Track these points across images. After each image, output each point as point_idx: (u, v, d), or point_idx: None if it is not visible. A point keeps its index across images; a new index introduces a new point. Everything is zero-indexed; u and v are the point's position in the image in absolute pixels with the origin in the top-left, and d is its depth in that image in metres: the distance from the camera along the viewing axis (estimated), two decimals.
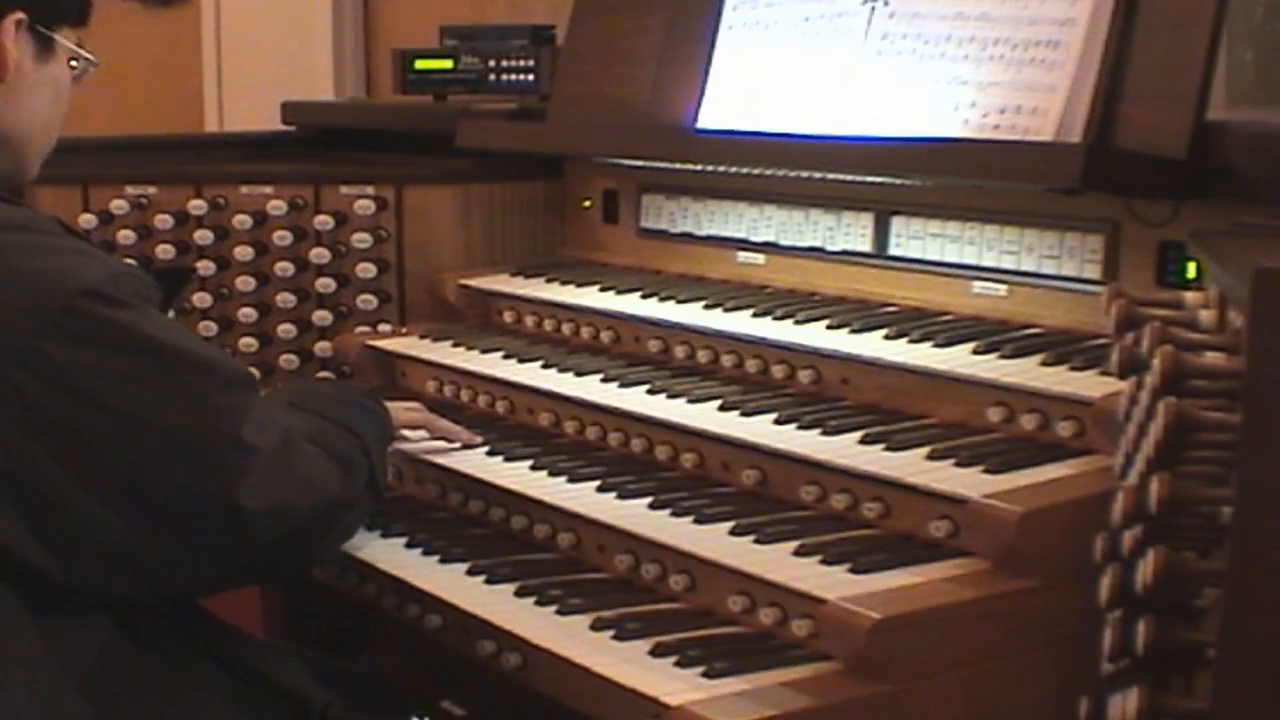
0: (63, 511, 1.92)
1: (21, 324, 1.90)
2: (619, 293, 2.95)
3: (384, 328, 3.27)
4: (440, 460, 2.60)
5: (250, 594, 3.11)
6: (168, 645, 2.08)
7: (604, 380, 2.67)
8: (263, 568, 2.19)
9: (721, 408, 2.46)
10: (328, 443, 2.19)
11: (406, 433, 2.60)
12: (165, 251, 3.34)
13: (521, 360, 2.85)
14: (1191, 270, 2.27)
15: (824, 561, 2.05)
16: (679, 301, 2.83)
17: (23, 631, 1.93)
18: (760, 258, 2.96)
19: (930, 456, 2.17)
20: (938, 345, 2.41)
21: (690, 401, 2.50)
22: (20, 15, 2.10)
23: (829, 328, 2.56)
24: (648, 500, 2.31)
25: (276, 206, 3.32)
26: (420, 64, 3.72)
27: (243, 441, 1.98)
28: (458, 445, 2.62)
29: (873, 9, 2.73)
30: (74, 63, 2.22)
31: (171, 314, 2.53)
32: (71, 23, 2.21)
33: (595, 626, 2.07)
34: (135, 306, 1.97)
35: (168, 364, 1.96)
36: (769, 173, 2.85)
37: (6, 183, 2.15)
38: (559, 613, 2.13)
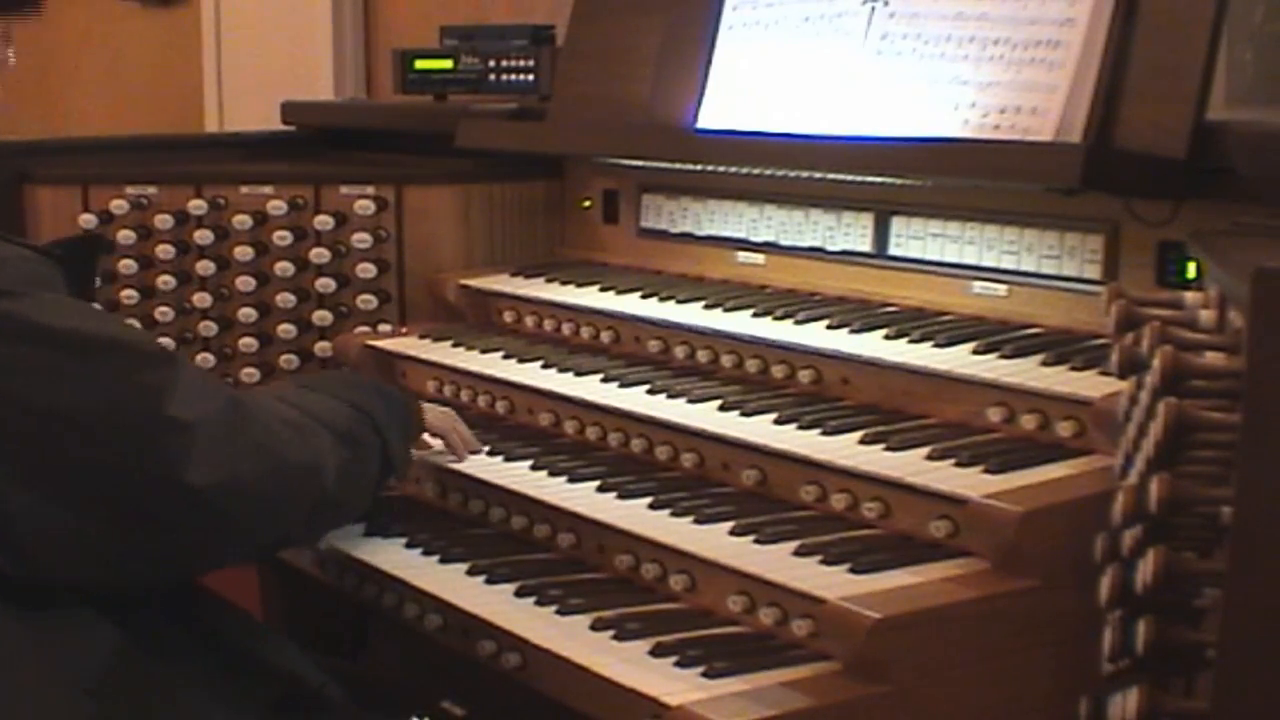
0: (7, 512, 1.86)
1: None
2: (619, 293, 2.95)
3: (384, 328, 3.27)
4: (440, 460, 2.59)
5: (250, 594, 3.11)
6: (162, 632, 2.04)
7: (604, 380, 2.67)
8: (236, 544, 2.09)
9: (721, 408, 2.46)
10: (328, 415, 2.14)
11: (425, 438, 2.57)
12: (165, 251, 3.34)
13: (521, 360, 2.85)
14: (1191, 270, 2.27)
15: (824, 561, 2.05)
16: (679, 301, 2.83)
17: (5, 631, 1.90)
18: (760, 258, 2.96)
19: (930, 456, 2.17)
20: (938, 345, 2.41)
21: (690, 401, 2.50)
22: None
23: (829, 328, 2.56)
24: (648, 500, 2.31)
25: (276, 206, 3.32)
26: (420, 64, 3.72)
27: (170, 418, 1.89)
28: (460, 457, 2.60)
29: (873, 9, 2.73)
30: None
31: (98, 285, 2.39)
32: None
33: (595, 626, 2.08)
34: (21, 295, 1.88)
35: (66, 351, 1.88)
36: (769, 173, 2.85)
37: None
38: (559, 613, 2.13)
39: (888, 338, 2.48)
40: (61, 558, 1.92)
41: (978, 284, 2.60)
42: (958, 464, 2.13)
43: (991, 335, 2.42)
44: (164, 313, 3.34)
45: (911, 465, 2.16)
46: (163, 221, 3.35)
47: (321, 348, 3.32)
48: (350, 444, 2.18)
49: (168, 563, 2.03)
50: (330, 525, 2.31)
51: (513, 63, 3.60)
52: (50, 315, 1.90)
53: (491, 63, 3.62)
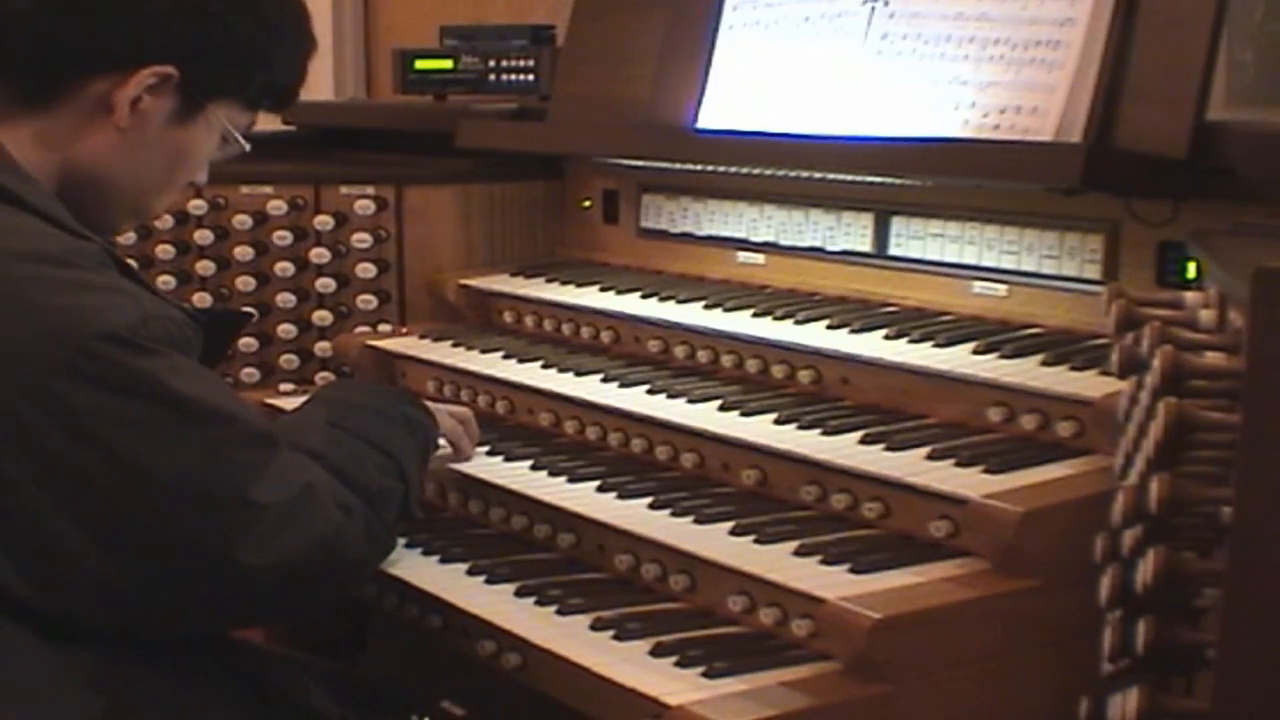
0: (51, 547, 1.87)
1: (33, 360, 1.85)
2: (619, 293, 2.95)
3: (384, 328, 3.27)
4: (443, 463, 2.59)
5: None
6: (181, 662, 2.04)
7: (604, 380, 2.67)
8: (268, 617, 2.20)
9: (721, 408, 2.46)
10: (361, 475, 2.12)
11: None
12: (165, 251, 3.34)
13: (521, 360, 2.85)
14: (1191, 270, 2.27)
15: (824, 561, 2.05)
16: (679, 301, 2.83)
17: (21, 656, 1.89)
18: (760, 258, 2.96)
19: (930, 456, 2.17)
20: (938, 345, 2.41)
21: (690, 401, 2.50)
22: (170, 71, 2.04)
23: (829, 328, 2.56)
24: (648, 500, 2.31)
25: (276, 206, 3.32)
26: (420, 64, 3.72)
27: (248, 499, 1.92)
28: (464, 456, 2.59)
29: (873, 9, 2.73)
30: (225, 143, 2.18)
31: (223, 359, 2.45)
32: (238, 100, 2.17)
33: (595, 626, 2.07)
34: (158, 353, 1.90)
35: (180, 415, 1.90)
36: (769, 173, 2.85)
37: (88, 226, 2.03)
38: (559, 613, 2.13)
39: (888, 338, 2.48)
40: (89, 602, 1.93)
41: (978, 284, 2.60)
42: (958, 464, 2.13)
43: (991, 335, 2.42)
44: None
45: (911, 465, 2.16)
46: (163, 221, 3.34)
47: (321, 348, 3.32)
48: (381, 514, 2.15)
49: (193, 626, 2.05)
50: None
51: (513, 63, 3.60)
52: (176, 378, 1.92)
53: (491, 63, 3.62)
